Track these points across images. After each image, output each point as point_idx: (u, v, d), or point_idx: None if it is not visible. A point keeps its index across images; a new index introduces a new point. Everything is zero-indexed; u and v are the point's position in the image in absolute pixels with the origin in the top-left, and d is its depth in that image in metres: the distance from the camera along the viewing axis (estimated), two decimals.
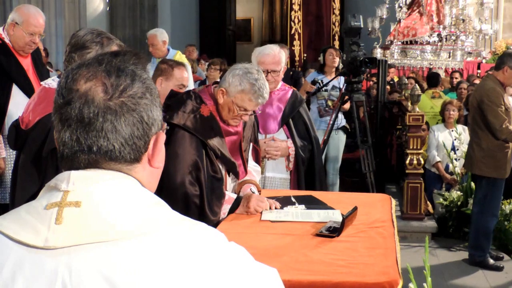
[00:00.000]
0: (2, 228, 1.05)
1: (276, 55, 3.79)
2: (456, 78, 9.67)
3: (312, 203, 3.10)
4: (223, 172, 3.15)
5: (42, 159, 2.41)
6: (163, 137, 1.14)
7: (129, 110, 1.07)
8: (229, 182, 3.24)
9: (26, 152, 2.52)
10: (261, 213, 2.93)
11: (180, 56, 6.24)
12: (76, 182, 1.05)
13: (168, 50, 6.32)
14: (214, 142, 3.05)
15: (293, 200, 3.13)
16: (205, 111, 3.07)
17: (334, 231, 2.61)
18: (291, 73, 7.63)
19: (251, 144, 3.43)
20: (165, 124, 1.15)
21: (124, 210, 1.03)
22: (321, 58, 6.73)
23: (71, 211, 1.01)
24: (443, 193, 6.38)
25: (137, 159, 1.10)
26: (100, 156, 1.07)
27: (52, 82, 2.60)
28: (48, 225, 1.01)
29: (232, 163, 3.13)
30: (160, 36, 6.26)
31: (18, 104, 4.07)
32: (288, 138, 3.91)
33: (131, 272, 0.97)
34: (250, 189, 3.18)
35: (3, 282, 1.00)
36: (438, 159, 6.83)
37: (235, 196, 3.09)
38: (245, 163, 3.25)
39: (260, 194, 3.18)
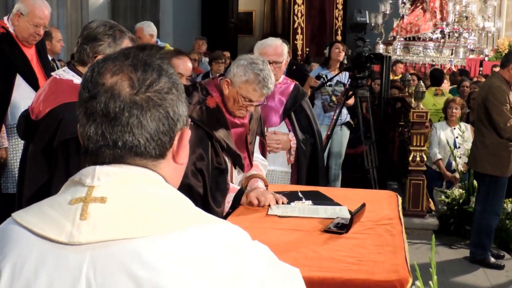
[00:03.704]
0: (25, 223, 1.04)
1: (278, 47, 3.82)
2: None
3: (319, 199, 3.09)
4: (229, 164, 3.14)
5: (52, 150, 2.40)
6: (188, 133, 1.13)
7: (155, 105, 1.05)
8: (235, 175, 3.24)
9: (36, 142, 2.51)
10: (268, 207, 2.92)
11: (168, 49, 6.28)
12: (101, 177, 1.04)
13: (157, 42, 6.34)
14: (220, 133, 3.05)
15: (300, 195, 3.12)
16: (211, 102, 3.06)
17: (342, 228, 2.60)
18: (294, 67, 7.56)
19: (258, 138, 3.42)
20: (190, 120, 1.14)
21: (149, 207, 1.02)
22: (326, 51, 6.71)
23: (96, 207, 1.00)
24: (444, 190, 6.39)
25: (162, 155, 1.09)
26: (125, 152, 1.06)
27: (63, 73, 2.58)
28: (73, 221, 1.00)
29: (237, 155, 3.13)
30: (147, 29, 6.30)
31: (22, 94, 4.06)
32: (289, 131, 3.91)
33: (156, 269, 0.96)
34: (257, 183, 3.18)
35: (26, 277, 0.99)
36: (439, 156, 6.84)
37: (239, 187, 3.10)
38: (250, 155, 3.24)
39: (267, 188, 3.18)
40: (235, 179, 3.22)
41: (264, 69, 2.97)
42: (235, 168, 3.21)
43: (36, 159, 2.50)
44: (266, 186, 3.23)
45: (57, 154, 2.38)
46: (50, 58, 6.36)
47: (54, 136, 2.40)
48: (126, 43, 2.51)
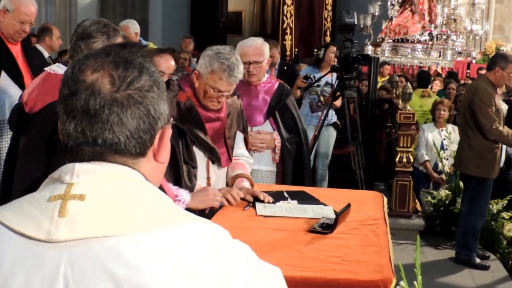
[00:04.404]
0: (2, 219, 1.03)
1: (258, 47, 3.80)
2: (437, 85, 9.63)
3: (304, 199, 3.09)
4: (205, 159, 3.13)
5: (49, 143, 2.38)
6: (169, 131, 1.12)
7: (135, 103, 1.05)
8: (215, 170, 3.21)
9: (30, 135, 2.50)
10: (255, 208, 2.92)
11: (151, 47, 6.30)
12: (80, 175, 1.03)
13: (140, 41, 6.36)
14: (192, 128, 3.04)
15: (286, 195, 3.12)
16: (182, 97, 3.07)
17: (327, 228, 2.60)
18: (285, 67, 7.55)
19: (241, 134, 3.40)
20: (172, 119, 1.13)
21: (129, 205, 1.01)
22: (321, 52, 6.70)
23: (75, 204, 0.99)
24: (431, 191, 6.42)
25: (142, 153, 1.08)
26: (105, 149, 1.05)
27: (57, 68, 2.60)
28: (51, 218, 0.99)
29: (212, 149, 3.12)
30: (132, 27, 6.33)
31: (7, 91, 4.04)
32: (274, 130, 3.91)
33: (135, 267, 0.95)
34: (243, 183, 3.17)
35: (3, 275, 0.98)
36: (426, 158, 6.87)
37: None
38: (229, 150, 3.22)
39: (252, 188, 3.18)
40: (215, 174, 3.21)
41: (230, 58, 2.95)
42: (213, 163, 3.19)
43: (29, 152, 2.49)
44: (252, 185, 3.22)
45: (55, 148, 2.36)
46: (47, 55, 6.36)
47: (55, 130, 2.39)
48: (120, 41, 2.51)
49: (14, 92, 4.00)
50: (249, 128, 3.82)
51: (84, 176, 1.03)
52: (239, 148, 3.40)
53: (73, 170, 1.03)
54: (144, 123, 1.06)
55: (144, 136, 1.07)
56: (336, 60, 6.72)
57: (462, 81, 9.64)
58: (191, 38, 9.77)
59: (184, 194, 2.84)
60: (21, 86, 4.05)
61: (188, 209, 2.71)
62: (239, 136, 3.40)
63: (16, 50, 4.15)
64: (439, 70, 11.65)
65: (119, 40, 2.51)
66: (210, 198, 2.89)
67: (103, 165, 1.05)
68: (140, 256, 0.96)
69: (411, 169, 6.08)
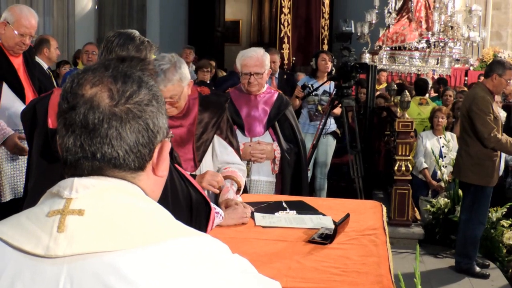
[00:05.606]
0: (1, 235, 1.02)
1: (259, 58, 3.78)
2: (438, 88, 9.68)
3: (303, 209, 3.08)
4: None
5: None
6: (168, 145, 1.12)
7: (134, 117, 1.05)
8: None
9: None
10: (253, 218, 2.91)
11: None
12: (79, 190, 1.02)
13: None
14: None
15: (284, 205, 3.11)
16: None
17: (326, 238, 2.59)
18: (285, 76, 7.55)
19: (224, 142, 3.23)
20: (171, 132, 1.13)
21: (128, 220, 1.01)
22: (313, 63, 6.72)
23: (74, 219, 0.99)
24: (430, 199, 6.41)
25: (141, 167, 1.08)
26: (104, 163, 1.05)
27: None
28: (50, 233, 0.98)
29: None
30: None
31: (8, 103, 4.03)
32: (273, 141, 3.91)
33: (134, 282, 0.95)
34: (228, 194, 3.09)
35: None
36: (425, 165, 6.87)
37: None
38: (195, 157, 3.11)
39: (240, 190, 3.10)
40: None
41: (161, 64, 2.83)
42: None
43: None
44: (239, 188, 3.11)
45: None
46: (46, 66, 6.35)
47: None
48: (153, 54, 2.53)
49: (15, 104, 4.00)
50: (248, 139, 3.81)
51: (83, 191, 1.03)
52: (228, 155, 3.22)
53: (72, 185, 1.03)
54: (143, 137, 1.06)
55: (143, 150, 1.07)
56: (331, 66, 6.73)
57: (457, 89, 9.68)
58: (192, 49, 9.79)
59: (219, 209, 2.80)
60: (22, 98, 4.05)
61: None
62: (224, 143, 3.22)
63: (17, 62, 4.15)
64: (436, 77, 11.67)
65: (152, 54, 2.50)
66: (239, 216, 2.84)
67: (102, 180, 1.05)
68: (138, 271, 0.96)
69: (410, 177, 6.07)
